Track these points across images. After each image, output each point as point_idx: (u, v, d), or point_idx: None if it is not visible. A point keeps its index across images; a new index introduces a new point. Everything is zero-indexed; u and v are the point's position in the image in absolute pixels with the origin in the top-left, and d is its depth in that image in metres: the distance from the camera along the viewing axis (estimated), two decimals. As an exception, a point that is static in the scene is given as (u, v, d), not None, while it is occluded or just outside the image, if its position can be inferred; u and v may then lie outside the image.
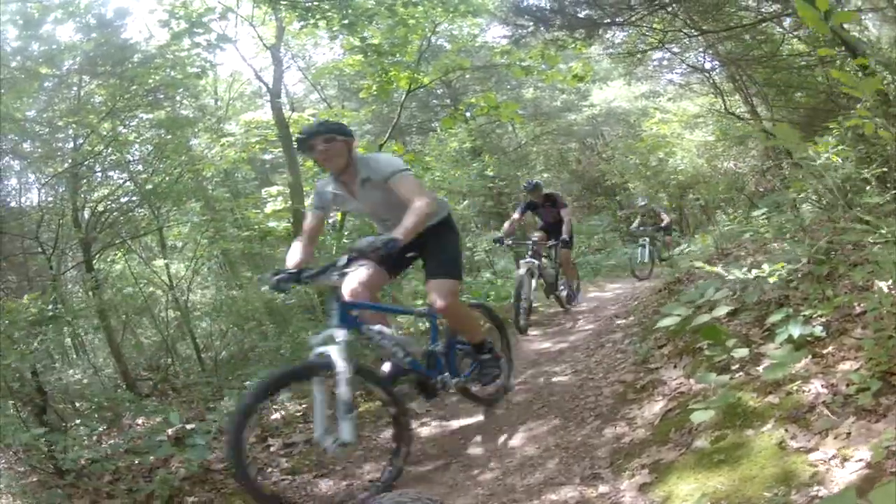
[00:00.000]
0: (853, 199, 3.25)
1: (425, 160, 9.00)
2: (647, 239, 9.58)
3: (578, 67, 7.37)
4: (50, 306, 4.04)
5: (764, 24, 7.15)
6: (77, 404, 4.34)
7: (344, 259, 2.55)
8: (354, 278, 2.95)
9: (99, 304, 5.25)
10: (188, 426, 3.35)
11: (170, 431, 3.29)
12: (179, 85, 5.80)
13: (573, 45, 7.18)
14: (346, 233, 6.32)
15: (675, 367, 3.08)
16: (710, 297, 2.85)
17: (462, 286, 3.27)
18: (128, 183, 6.04)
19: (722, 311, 2.68)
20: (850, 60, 5.25)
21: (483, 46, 9.95)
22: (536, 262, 5.76)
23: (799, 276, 2.86)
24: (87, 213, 5.67)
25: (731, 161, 11.72)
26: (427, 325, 3.49)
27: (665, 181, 13.31)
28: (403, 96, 7.16)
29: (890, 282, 2.23)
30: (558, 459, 2.66)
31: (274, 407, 3.76)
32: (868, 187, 3.33)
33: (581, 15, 7.00)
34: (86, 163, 5.42)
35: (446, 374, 3.15)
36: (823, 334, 2.35)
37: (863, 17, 6.72)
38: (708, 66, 9.27)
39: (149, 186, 5.74)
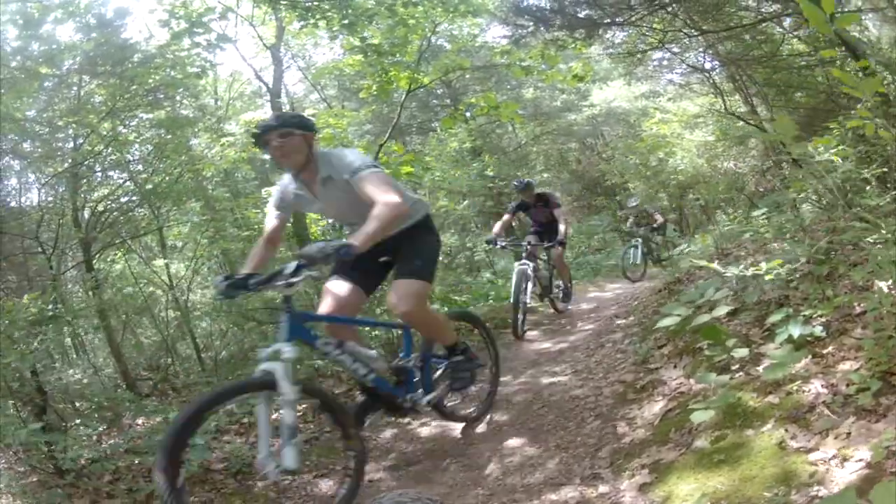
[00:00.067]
0: (853, 199, 3.24)
1: (425, 160, 9.00)
2: (640, 240, 9.48)
3: (578, 67, 7.35)
4: (50, 306, 4.04)
5: (764, 24, 7.14)
6: (77, 404, 4.33)
7: (291, 266, 2.30)
8: (328, 302, 2.78)
9: (99, 304, 5.25)
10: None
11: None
12: (179, 85, 5.79)
13: (573, 45, 7.16)
14: (346, 232, 6.30)
15: (675, 367, 3.08)
16: (710, 297, 2.85)
17: (431, 290, 2.96)
18: (128, 183, 6.03)
19: (722, 311, 2.68)
20: (850, 61, 5.25)
21: (483, 46, 9.94)
22: (532, 264, 5.63)
23: (799, 276, 2.86)
24: (87, 213, 5.67)
25: (731, 161, 11.72)
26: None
27: (665, 181, 13.29)
28: (403, 96, 7.14)
29: (890, 282, 2.23)
30: (558, 459, 2.66)
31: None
32: (868, 187, 3.34)
33: (581, 15, 7.00)
34: (86, 163, 5.41)
35: (419, 391, 2.94)
36: (823, 334, 2.35)
37: (863, 18, 6.71)
38: (708, 66, 9.26)
39: (149, 186, 5.73)
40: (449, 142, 11.30)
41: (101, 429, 3.75)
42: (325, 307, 2.79)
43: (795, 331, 2.33)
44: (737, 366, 2.52)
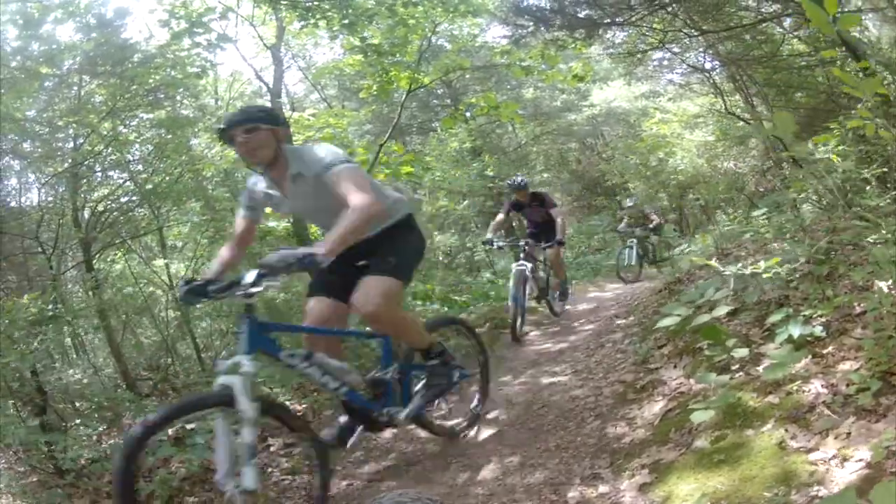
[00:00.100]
0: (853, 199, 3.25)
1: (425, 160, 9.01)
2: (635, 241, 9.39)
3: (578, 67, 7.36)
4: (50, 306, 4.04)
5: (764, 25, 7.15)
6: (77, 404, 4.33)
7: (251, 275, 2.11)
8: (308, 323, 2.62)
9: (99, 304, 5.24)
10: (188, 426, 3.34)
11: (170, 431, 3.28)
12: (179, 85, 5.78)
13: (573, 45, 7.16)
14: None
15: (675, 367, 3.08)
16: (710, 297, 2.85)
17: (402, 289, 2.68)
18: (128, 183, 6.03)
19: (722, 311, 2.68)
20: (850, 61, 5.26)
21: (483, 46, 9.94)
22: (530, 264, 5.52)
23: (799, 276, 2.87)
24: (87, 213, 5.66)
25: (731, 161, 11.73)
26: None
27: (665, 181, 13.30)
28: (404, 96, 7.14)
29: (890, 282, 2.23)
30: (558, 459, 2.66)
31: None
32: (868, 187, 3.34)
33: (581, 15, 7.00)
34: (86, 163, 5.40)
35: (398, 404, 2.74)
36: (823, 334, 2.35)
37: (863, 18, 6.71)
38: (708, 66, 9.28)
39: (149, 186, 5.73)
40: (449, 142, 11.32)
41: (101, 429, 3.75)
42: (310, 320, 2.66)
43: (795, 331, 2.33)
44: (737, 366, 2.52)
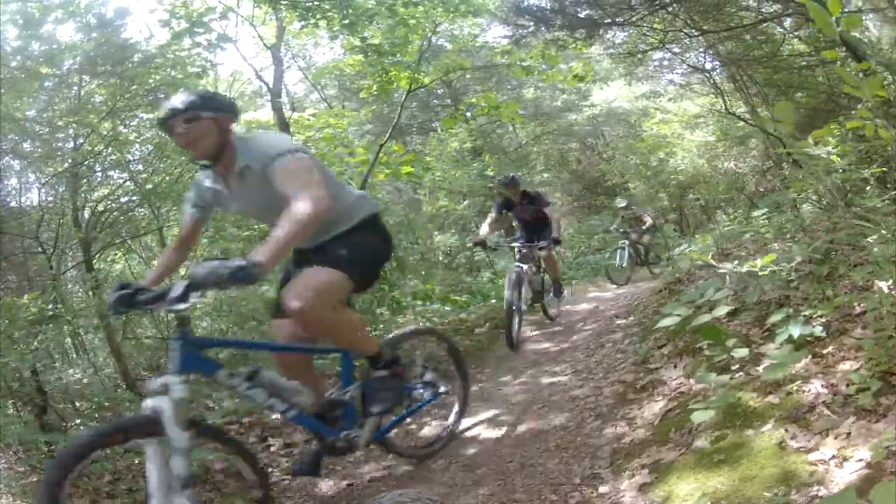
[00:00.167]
0: (853, 199, 3.25)
1: (426, 160, 9.01)
2: (626, 242, 9.29)
3: (579, 67, 7.36)
4: (50, 306, 4.04)
5: (764, 25, 7.15)
6: (77, 404, 4.33)
7: (179, 287, 1.84)
8: (276, 328, 2.40)
9: (99, 304, 5.24)
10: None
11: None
12: (180, 85, 5.77)
13: (574, 46, 7.17)
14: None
15: (675, 367, 3.08)
16: (710, 297, 2.85)
17: (347, 288, 2.29)
18: (128, 183, 6.03)
19: (722, 311, 2.68)
20: (850, 62, 5.25)
21: (483, 46, 9.95)
22: (525, 266, 5.33)
23: (799, 276, 2.87)
24: (87, 213, 5.66)
25: (731, 161, 11.75)
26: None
27: (665, 181, 13.31)
28: (404, 96, 7.14)
29: (890, 282, 2.23)
30: (558, 459, 2.66)
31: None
32: (868, 187, 3.34)
33: (581, 15, 7.00)
34: (86, 163, 5.40)
35: (356, 428, 2.47)
36: (823, 334, 2.36)
37: (863, 18, 6.71)
38: (708, 66, 9.27)
39: (149, 186, 5.73)
40: (449, 142, 11.32)
41: (100, 429, 3.74)
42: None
43: (795, 331, 2.33)
44: (737, 366, 2.52)
